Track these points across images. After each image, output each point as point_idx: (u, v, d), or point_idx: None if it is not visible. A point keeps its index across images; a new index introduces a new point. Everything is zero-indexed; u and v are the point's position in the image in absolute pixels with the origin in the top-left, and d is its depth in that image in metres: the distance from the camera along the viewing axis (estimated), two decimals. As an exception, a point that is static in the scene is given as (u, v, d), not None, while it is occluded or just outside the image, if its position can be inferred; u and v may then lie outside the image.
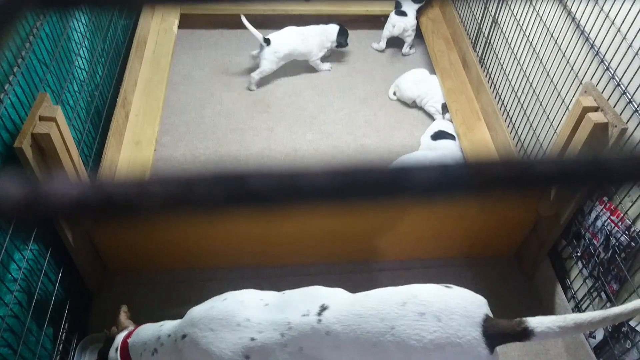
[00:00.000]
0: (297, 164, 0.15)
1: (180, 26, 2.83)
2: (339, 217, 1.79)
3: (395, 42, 3.00)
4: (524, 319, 1.16)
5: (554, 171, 0.15)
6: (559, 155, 0.15)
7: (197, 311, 1.30)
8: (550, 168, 0.15)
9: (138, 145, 2.20)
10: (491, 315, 1.18)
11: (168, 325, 1.36)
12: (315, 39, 2.69)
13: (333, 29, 2.75)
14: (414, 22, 2.88)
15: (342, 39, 2.76)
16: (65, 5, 0.19)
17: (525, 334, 1.14)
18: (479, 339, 1.12)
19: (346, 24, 2.84)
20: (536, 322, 1.15)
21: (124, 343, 1.40)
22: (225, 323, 1.23)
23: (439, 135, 2.34)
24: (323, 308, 1.20)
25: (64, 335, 1.64)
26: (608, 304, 1.64)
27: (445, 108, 2.50)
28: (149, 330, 1.39)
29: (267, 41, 2.56)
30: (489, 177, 0.15)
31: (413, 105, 2.68)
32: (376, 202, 0.16)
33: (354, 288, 1.30)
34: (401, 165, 0.15)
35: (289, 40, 2.63)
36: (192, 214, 0.15)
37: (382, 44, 2.96)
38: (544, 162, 0.15)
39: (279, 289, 1.34)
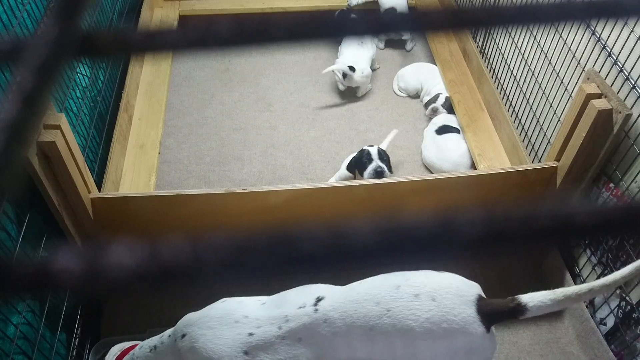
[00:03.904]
0: (342, 224, 0.16)
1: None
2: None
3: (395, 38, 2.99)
4: (516, 296, 1.18)
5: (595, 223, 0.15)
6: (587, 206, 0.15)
7: (197, 312, 1.33)
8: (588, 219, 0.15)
9: (142, 149, 2.21)
10: (484, 296, 1.20)
11: (171, 328, 1.38)
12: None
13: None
14: None
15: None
16: (97, 54, 0.20)
17: (518, 310, 1.17)
18: (474, 317, 1.14)
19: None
20: (528, 298, 1.17)
21: (128, 350, 1.42)
22: (224, 321, 1.26)
23: (443, 129, 2.34)
24: (319, 299, 1.23)
25: (77, 340, 1.66)
26: (618, 291, 1.64)
27: (446, 102, 2.48)
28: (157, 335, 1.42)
29: (352, 69, 2.54)
30: (533, 231, 0.15)
31: (416, 96, 2.68)
32: (422, 256, 0.16)
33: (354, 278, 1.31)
34: (447, 220, 0.16)
35: (361, 58, 2.61)
36: (244, 278, 0.15)
37: (381, 45, 2.97)
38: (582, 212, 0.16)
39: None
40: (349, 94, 2.70)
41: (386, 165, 2.04)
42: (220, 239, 0.15)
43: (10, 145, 0.15)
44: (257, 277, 0.15)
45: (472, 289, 1.19)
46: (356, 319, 1.18)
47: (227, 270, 0.15)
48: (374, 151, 2.05)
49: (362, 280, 1.27)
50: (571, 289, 1.17)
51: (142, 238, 0.15)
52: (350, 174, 2.12)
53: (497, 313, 1.17)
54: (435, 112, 2.46)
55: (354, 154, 2.14)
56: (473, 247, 0.16)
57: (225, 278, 0.15)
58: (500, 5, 0.22)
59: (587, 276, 1.79)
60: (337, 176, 2.22)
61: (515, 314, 1.17)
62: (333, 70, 2.58)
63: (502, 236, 0.15)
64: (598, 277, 1.73)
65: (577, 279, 1.85)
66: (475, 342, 1.15)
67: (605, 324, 1.72)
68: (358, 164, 2.06)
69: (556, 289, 1.18)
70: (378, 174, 1.99)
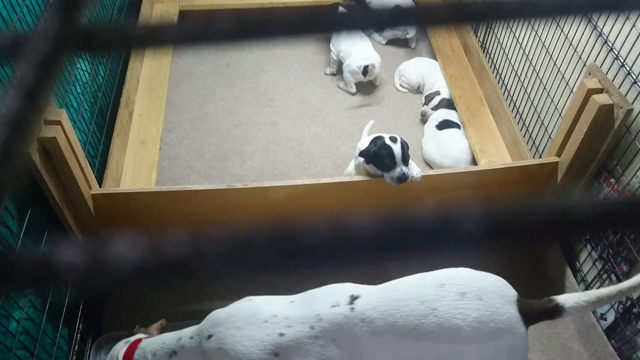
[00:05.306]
0: (344, 217, 0.16)
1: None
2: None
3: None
4: (553, 297, 1.20)
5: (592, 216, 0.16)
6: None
7: (222, 312, 1.27)
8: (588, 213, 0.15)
9: (143, 145, 2.21)
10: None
11: (190, 328, 1.32)
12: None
13: None
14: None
15: None
16: (97, 49, 0.20)
17: (556, 311, 1.18)
18: (517, 317, 1.15)
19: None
20: (564, 299, 1.19)
21: (137, 342, 1.38)
22: (252, 321, 1.21)
23: (444, 124, 2.33)
24: (354, 297, 1.20)
25: (78, 335, 1.66)
26: (618, 286, 1.64)
27: (443, 102, 2.46)
28: (168, 334, 1.35)
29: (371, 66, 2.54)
30: (534, 225, 0.15)
31: (417, 92, 2.67)
32: (424, 249, 0.16)
33: (363, 278, 1.31)
34: (448, 214, 0.16)
35: (369, 48, 2.61)
36: (246, 272, 0.15)
37: (383, 41, 2.95)
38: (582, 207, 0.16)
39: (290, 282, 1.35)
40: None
41: (408, 163, 1.72)
42: (221, 233, 0.15)
43: (11, 140, 0.15)
44: (259, 271, 0.16)
45: (511, 290, 1.20)
46: (399, 317, 1.15)
47: (229, 264, 0.15)
48: (397, 151, 1.67)
49: (399, 279, 1.24)
50: (602, 291, 1.19)
51: (143, 233, 0.15)
52: (367, 166, 1.75)
53: (535, 313, 1.18)
54: (424, 115, 2.47)
55: (368, 139, 1.80)
56: (474, 241, 0.16)
57: (226, 272, 0.15)
58: (501, 0, 0.22)
59: (588, 271, 1.79)
60: (352, 167, 1.90)
61: (552, 315, 1.19)
62: (349, 73, 2.58)
63: (503, 230, 0.15)
64: (599, 273, 1.73)
65: (577, 274, 1.85)
66: (518, 342, 1.16)
67: (605, 319, 1.72)
68: (377, 160, 1.69)
69: (588, 291, 1.20)
70: (401, 181, 1.68)
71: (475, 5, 0.21)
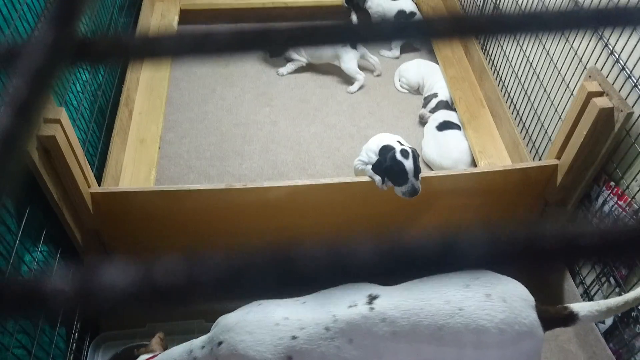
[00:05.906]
0: (343, 243, 0.16)
1: (180, 22, 2.82)
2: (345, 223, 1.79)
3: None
4: (567, 305, 1.22)
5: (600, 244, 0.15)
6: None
7: (232, 316, 1.24)
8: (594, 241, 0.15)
9: (143, 143, 2.20)
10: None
11: (201, 338, 1.28)
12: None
13: None
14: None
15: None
16: (94, 60, 0.20)
17: (571, 318, 1.19)
18: (538, 321, 1.16)
19: (344, 14, 2.83)
20: (578, 307, 1.20)
21: None
22: (263, 324, 1.18)
23: (444, 125, 2.33)
24: (373, 297, 1.18)
25: (76, 334, 1.66)
26: (617, 289, 1.64)
27: (441, 105, 2.45)
28: (178, 348, 1.30)
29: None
30: (538, 253, 0.15)
31: (417, 92, 2.67)
32: (425, 275, 0.16)
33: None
34: (448, 240, 0.16)
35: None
36: (241, 298, 0.15)
37: (396, 52, 2.89)
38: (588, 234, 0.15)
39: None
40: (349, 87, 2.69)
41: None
42: (216, 260, 0.15)
43: (3, 157, 0.15)
44: (255, 296, 0.15)
45: (530, 294, 1.21)
46: (423, 317, 1.13)
47: (223, 291, 0.15)
48: (409, 166, 1.60)
49: (419, 279, 1.23)
50: (610, 302, 1.21)
51: (136, 257, 0.15)
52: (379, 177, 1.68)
53: (552, 319, 1.19)
54: (423, 118, 2.47)
55: (375, 142, 1.74)
56: (476, 267, 0.16)
57: (221, 298, 0.15)
58: (505, 13, 0.21)
59: (587, 274, 1.79)
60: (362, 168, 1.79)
61: (567, 322, 1.20)
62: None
63: (506, 258, 0.15)
64: (597, 276, 1.73)
65: (576, 277, 1.85)
66: (537, 346, 1.17)
67: (604, 322, 1.72)
68: (389, 174, 1.64)
69: (599, 301, 1.24)
70: (412, 195, 1.63)
71: (478, 18, 0.21)
